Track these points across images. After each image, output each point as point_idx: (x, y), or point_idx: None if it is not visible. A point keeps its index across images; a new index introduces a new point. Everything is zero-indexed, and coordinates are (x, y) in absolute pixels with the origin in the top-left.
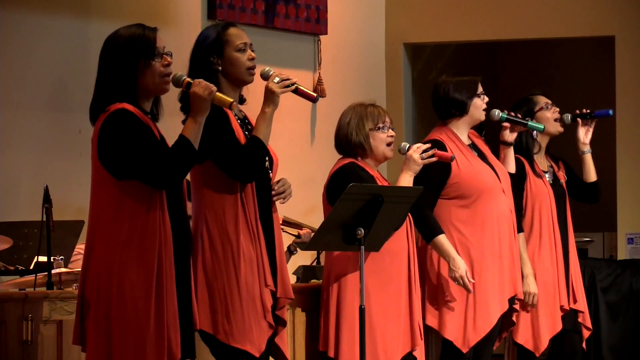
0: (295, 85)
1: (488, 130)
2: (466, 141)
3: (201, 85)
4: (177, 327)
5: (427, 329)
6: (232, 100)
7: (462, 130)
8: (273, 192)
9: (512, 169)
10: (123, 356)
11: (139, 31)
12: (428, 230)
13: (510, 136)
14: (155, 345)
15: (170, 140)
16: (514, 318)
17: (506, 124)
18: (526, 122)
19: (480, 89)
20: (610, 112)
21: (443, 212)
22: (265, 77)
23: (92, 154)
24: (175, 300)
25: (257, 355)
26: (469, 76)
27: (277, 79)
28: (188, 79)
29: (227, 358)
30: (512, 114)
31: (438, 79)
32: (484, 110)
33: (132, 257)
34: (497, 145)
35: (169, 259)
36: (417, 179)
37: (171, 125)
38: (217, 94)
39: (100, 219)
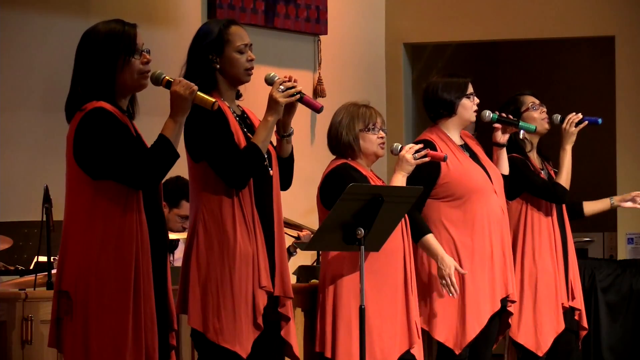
0: (300, 94)
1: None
2: (458, 141)
3: (182, 84)
4: (155, 331)
5: (425, 329)
6: (214, 100)
7: (452, 130)
8: (286, 83)
9: (506, 171)
10: None
11: (118, 27)
12: (416, 230)
13: (502, 137)
14: (133, 350)
15: (149, 140)
16: (510, 320)
17: (498, 125)
18: (517, 122)
19: (470, 90)
20: (600, 120)
21: (433, 212)
22: (270, 82)
23: (66, 152)
24: (153, 304)
25: (244, 356)
26: (459, 77)
27: (281, 88)
28: (168, 77)
29: (213, 357)
30: (504, 115)
31: (429, 79)
32: (474, 111)
33: (109, 261)
34: (489, 147)
35: (147, 262)
36: (407, 179)
37: (149, 124)
38: (199, 93)
39: (74, 219)
